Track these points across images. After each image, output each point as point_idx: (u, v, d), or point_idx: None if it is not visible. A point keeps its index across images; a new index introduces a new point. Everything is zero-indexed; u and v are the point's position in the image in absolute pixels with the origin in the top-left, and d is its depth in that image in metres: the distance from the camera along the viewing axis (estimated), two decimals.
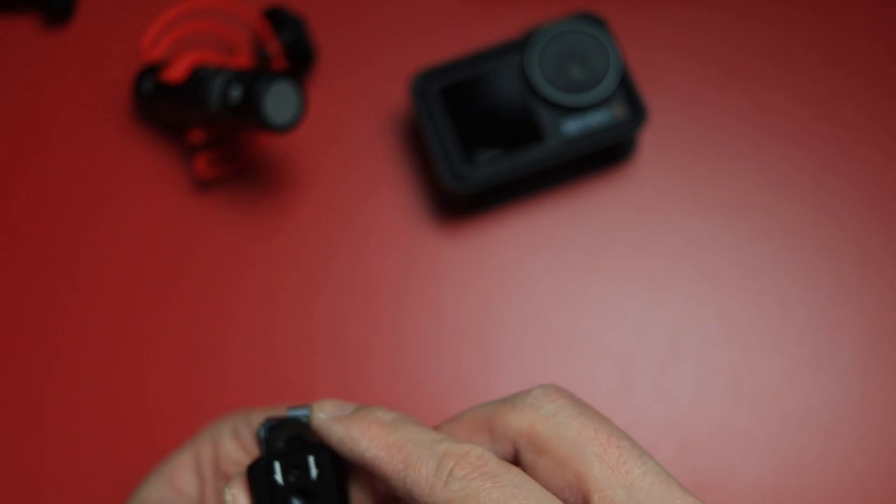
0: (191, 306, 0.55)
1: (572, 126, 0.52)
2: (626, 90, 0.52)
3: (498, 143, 0.52)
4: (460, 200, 0.56)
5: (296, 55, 0.55)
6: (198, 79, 0.51)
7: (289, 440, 0.36)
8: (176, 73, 0.53)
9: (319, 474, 0.35)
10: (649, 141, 0.57)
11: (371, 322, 0.54)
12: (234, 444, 0.42)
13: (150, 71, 0.55)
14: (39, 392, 0.54)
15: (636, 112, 0.52)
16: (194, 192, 0.56)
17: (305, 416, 0.36)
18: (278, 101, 0.48)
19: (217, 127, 0.52)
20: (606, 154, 0.56)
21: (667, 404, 0.53)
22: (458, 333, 0.54)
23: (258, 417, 0.42)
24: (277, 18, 0.55)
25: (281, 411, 0.41)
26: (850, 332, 0.54)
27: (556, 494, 0.33)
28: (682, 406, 0.53)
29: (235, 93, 0.49)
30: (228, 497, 0.36)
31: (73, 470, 0.52)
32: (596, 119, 0.52)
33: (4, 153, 0.57)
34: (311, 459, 0.35)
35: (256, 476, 0.35)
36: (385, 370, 0.54)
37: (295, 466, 0.35)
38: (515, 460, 0.34)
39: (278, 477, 0.35)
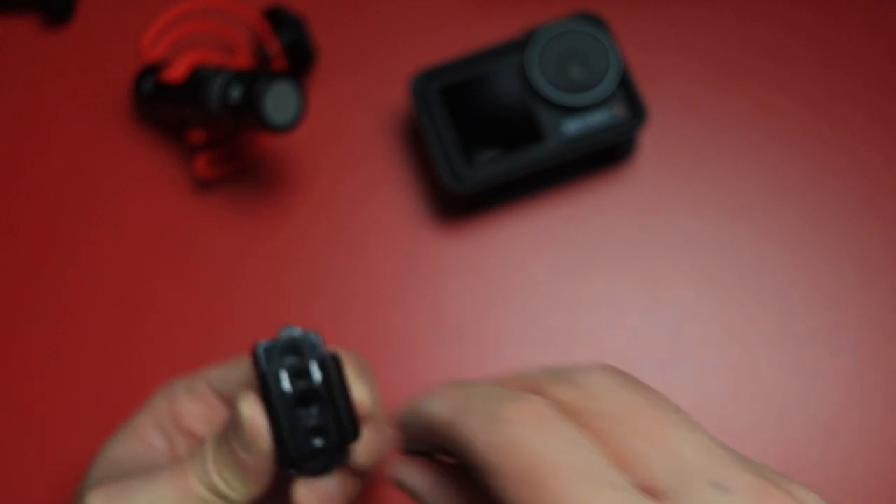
0: (191, 306, 0.55)
1: (572, 126, 0.52)
2: (626, 90, 0.52)
3: (498, 143, 0.52)
4: (460, 200, 0.56)
5: (296, 55, 0.55)
6: (198, 79, 0.51)
7: (283, 355, 0.39)
8: (176, 73, 0.53)
9: (323, 378, 0.38)
10: (649, 141, 0.57)
11: (371, 322, 0.54)
12: (191, 400, 0.43)
13: (150, 71, 0.55)
14: (39, 392, 0.54)
15: (636, 112, 0.52)
16: (194, 192, 0.56)
17: (297, 332, 0.38)
18: (278, 101, 0.48)
19: (217, 127, 0.52)
20: (606, 154, 0.56)
21: None
22: (458, 333, 0.54)
23: (214, 374, 0.44)
24: (277, 18, 0.55)
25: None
26: (850, 332, 0.54)
27: None
28: (682, 406, 0.53)
29: (235, 93, 0.49)
30: (245, 410, 0.37)
31: (73, 470, 0.52)
32: (596, 119, 0.52)
33: (4, 153, 0.57)
34: (314, 366, 0.38)
35: (266, 388, 0.38)
36: (385, 370, 0.54)
37: (298, 375, 0.38)
38: None
39: (286, 385, 0.38)
